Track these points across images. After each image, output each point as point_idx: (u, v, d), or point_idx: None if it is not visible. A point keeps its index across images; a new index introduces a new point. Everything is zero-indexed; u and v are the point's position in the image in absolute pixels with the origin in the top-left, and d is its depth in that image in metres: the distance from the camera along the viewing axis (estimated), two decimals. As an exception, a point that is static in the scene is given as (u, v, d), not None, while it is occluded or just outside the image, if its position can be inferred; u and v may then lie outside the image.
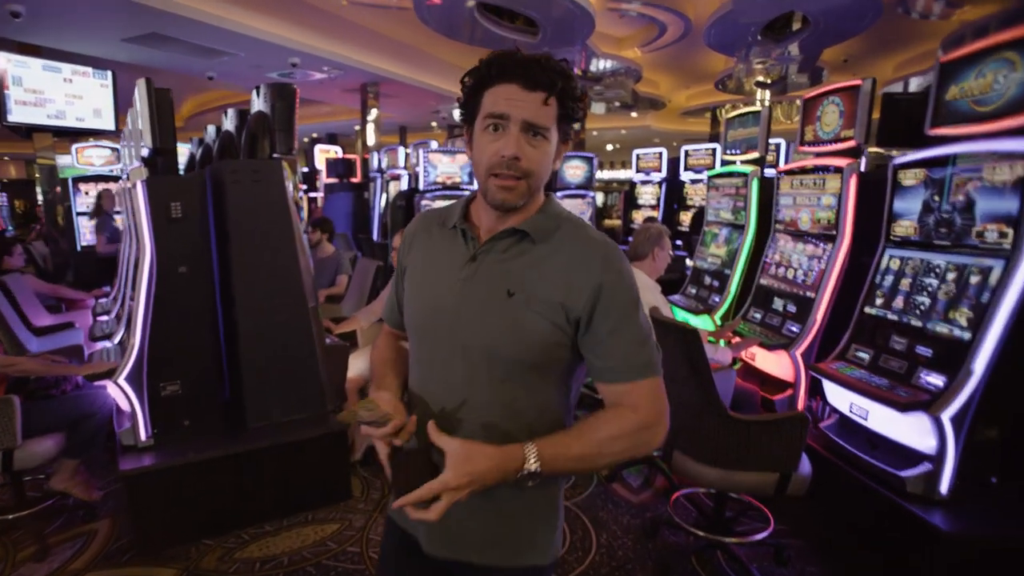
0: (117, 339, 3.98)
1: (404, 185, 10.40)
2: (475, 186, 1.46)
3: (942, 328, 2.93)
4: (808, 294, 4.06)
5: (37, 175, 8.61)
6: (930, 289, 3.08)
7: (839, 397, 3.41)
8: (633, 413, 1.34)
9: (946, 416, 2.68)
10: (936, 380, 2.84)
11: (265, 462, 3.56)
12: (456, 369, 1.39)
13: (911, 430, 2.90)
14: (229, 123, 4.51)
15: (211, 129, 5.14)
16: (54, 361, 3.77)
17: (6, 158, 25.93)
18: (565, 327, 1.34)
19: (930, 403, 2.74)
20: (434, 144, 9.80)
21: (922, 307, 3.09)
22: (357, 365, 4.30)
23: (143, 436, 3.44)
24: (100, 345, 4.11)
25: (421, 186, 8.04)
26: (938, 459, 2.78)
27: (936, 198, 3.07)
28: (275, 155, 3.90)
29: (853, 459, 3.22)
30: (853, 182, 3.83)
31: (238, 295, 3.68)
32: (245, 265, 3.68)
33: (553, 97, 1.29)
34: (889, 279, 3.38)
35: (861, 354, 3.36)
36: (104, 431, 3.65)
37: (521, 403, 1.38)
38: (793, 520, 3.54)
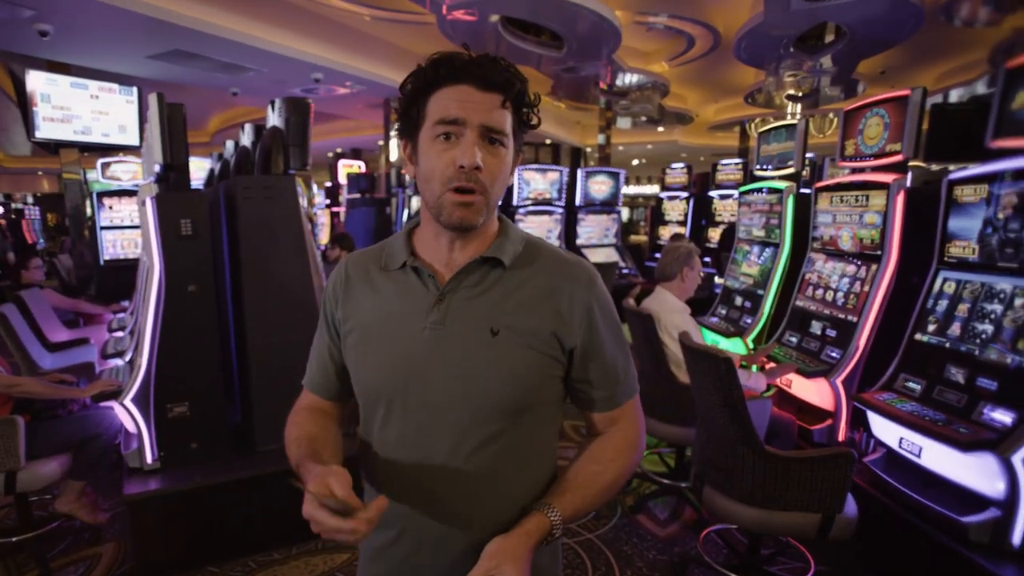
0: (128, 357, 3.91)
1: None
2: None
3: (1008, 359, 2.67)
4: (849, 317, 3.81)
5: (65, 190, 8.75)
6: (994, 316, 2.82)
7: (887, 430, 3.16)
8: (627, 439, 1.32)
9: (1018, 458, 2.41)
10: (1003, 416, 2.58)
11: (274, 487, 3.43)
12: (438, 435, 1.20)
13: (973, 471, 2.63)
14: (246, 138, 4.46)
15: (230, 144, 5.11)
16: (62, 381, 3.77)
17: (39, 173, 26.54)
18: (560, 358, 1.24)
19: (997, 442, 2.47)
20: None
21: (984, 335, 2.83)
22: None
23: (149, 459, 3.37)
24: (111, 363, 4.08)
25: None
26: (1008, 505, 2.50)
27: (1000, 216, 2.82)
28: (289, 171, 3.81)
29: (904, 499, 2.95)
30: (900, 199, 3.58)
31: (249, 314, 3.59)
32: (256, 283, 3.60)
33: (509, 101, 1.15)
34: (943, 304, 3.12)
35: (912, 384, 3.11)
36: (111, 452, 3.61)
37: (520, 452, 1.24)
38: (835, 561, 3.32)
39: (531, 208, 8.91)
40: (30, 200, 23.15)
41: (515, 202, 8.99)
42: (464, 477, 1.20)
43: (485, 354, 1.18)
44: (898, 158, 3.68)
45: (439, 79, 1.13)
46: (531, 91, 1.21)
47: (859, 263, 3.89)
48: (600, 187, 9.51)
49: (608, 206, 9.57)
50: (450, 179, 1.13)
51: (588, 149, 23.39)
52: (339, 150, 24.07)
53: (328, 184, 16.13)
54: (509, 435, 1.21)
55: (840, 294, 3.97)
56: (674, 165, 11.09)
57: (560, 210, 9.07)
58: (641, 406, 1.37)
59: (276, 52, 10.77)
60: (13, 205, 20.39)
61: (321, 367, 1.40)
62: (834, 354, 3.81)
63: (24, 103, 7.43)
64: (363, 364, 1.28)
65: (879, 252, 3.70)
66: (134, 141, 8.19)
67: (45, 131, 7.55)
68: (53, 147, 8.16)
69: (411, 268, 1.25)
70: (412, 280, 1.25)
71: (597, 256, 9.24)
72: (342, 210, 14.20)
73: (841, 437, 3.70)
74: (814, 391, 3.88)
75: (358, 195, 13.07)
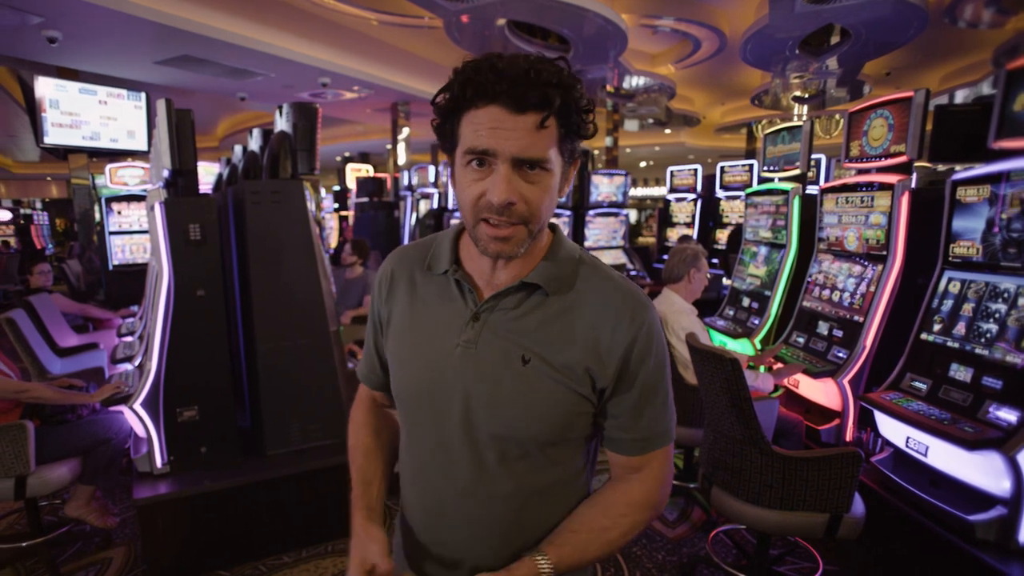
0: (137, 362, 3.91)
1: (434, 203, 10.35)
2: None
3: (1013, 358, 2.67)
4: (856, 318, 3.83)
5: (74, 195, 8.75)
6: (998, 315, 2.82)
7: (894, 430, 3.16)
8: (646, 493, 1.21)
9: (1023, 456, 2.43)
10: (1008, 415, 2.58)
11: (284, 490, 3.46)
12: (460, 452, 1.17)
13: (979, 470, 2.64)
14: (254, 143, 4.44)
15: (238, 149, 5.10)
16: (71, 386, 3.74)
17: (48, 178, 26.64)
18: (591, 396, 1.14)
19: (1003, 441, 2.48)
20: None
21: (988, 334, 2.84)
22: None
23: (159, 463, 3.36)
24: (121, 367, 4.04)
25: (450, 204, 7.96)
26: (1014, 503, 2.51)
27: (1003, 216, 2.83)
28: (297, 175, 3.81)
29: (911, 498, 2.96)
30: (905, 199, 3.60)
31: (257, 318, 3.59)
32: (265, 287, 3.59)
33: (552, 116, 1.01)
34: (948, 303, 3.13)
35: (918, 384, 3.12)
36: (121, 457, 3.60)
37: (541, 483, 1.18)
38: (844, 560, 3.32)
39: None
40: (38, 205, 23.17)
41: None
42: (481, 499, 1.17)
43: (512, 383, 1.12)
44: (902, 159, 3.69)
45: (467, 100, 1.02)
46: (583, 96, 1.06)
47: (865, 263, 3.90)
48: (607, 189, 9.49)
49: (615, 208, 9.56)
50: (481, 210, 1.05)
51: (596, 151, 23.42)
52: (347, 154, 24.10)
53: (336, 188, 16.18)
54: (532, 464, 1.16)
55: (847, 294, 3.99)
56: (680, 167, 11.07)
57: (568, 212, 9.07)
58: (672, 459, 1.26)
59: (284, 57, 10.79)
60: (22, 211, 20.36)
61: (369, 358, 1.41)
62: (841, 354, 3.83)
63: (33, 109, 7.42)
64: (397, 370, 1.26)
65: (884, 252, 3.71)
66: (142, 146, 8.19)
67: (54, 137, 7.56)
68: (62, 153, 8.15)
69: (453, 279, 1.20)
70: (453, 290, 1.20)
71: (605, 258, 9.20)
72: (351, 214, 14.23)
73: (848, 437, 3.71)
74: (821, 391, 3.89)
75: (366, 199, 13.10)
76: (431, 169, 11.15)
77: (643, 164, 30.02)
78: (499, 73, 0.99)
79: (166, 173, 3.55)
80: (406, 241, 10.81)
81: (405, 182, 12.12)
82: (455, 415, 1.16)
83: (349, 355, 4.10)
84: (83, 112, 7.75)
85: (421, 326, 1.23)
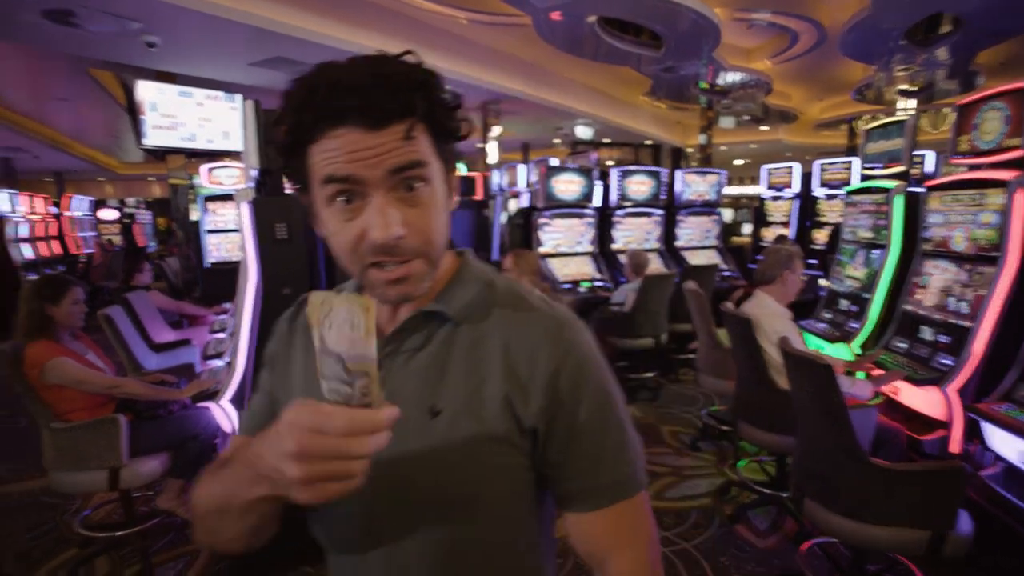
0: (227, 358, 3.98)
1: (524, 202, 10.35)
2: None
3: None
4: (963, 323, 3.61)
5: (173, 194, 9.06)
6: (1124, 323, 2.62)
7: (1006, 443, 2.97)
8: (634, 560, 0.98)
9: None
10: None
11: None
12: (374, 518, 0.98)
13: (1101, 490, 2.45)
14: None
15: None
16: (163, 382, 3.90)
17: (150, 178, 27.76)
18: (519, 442, 0.94)
19: None
20: (554, 161, 9.68)
21: (1113, 343, 2.64)
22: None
23: None
24: (211, 364, 4.15)
25: (540, 203, 7.94)
26: None
27: None
28: None
29: (1024, 517, 2.77)
30: (1020, 197, 3.37)
31: None
32: None
33: (420, 121, 0.84)
34: (1067, 309, 2.93)
35: (1033, 395, 2.93)
36: (210, 452, 3.67)
37: (471, 548, 0.97)
38: (947, 581, 3.13)
39: (629, 211, 8.77)
40: (138, 204, 24.12)
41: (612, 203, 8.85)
42: (381, 554, 1.01)
43: (422, 442, 0.92)
44: (1018, 154, 3.47)
45: (308, 129, 0.84)
46: (444, 90, 0.90)
47: (973, 265, 3.68)
48: (700, 188, 9.30)
49: (709, 207, 9.36)
50: (365, 254, 0.86)
51: (689, 149, 23.09)
52: (440, 153, 24.35)
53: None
54: (464, 532, 0.96)
55: (953, 298, 3.77)
56: (777, 164, 10.74)
57: (659, 212, 8.91)
58: (650, 521, 1.01)
59: (376, 57, 10.87)
60: (125, 210, 21.20)
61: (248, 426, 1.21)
62: (946, 361, 3.62)
63: (133, 111, 7.66)
64: None
65: (996, 254, 3.48)
66: (237, 147, 8.29)
67: (153, 138, 7.76)
68: (160, 153, 8.44)
69: None
70: None
71: (698, 258, 9.02)
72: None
73: (954, 449, 3.50)
74: (924, 400, 3.68)
75: (457, 198, 13.19)
76: (520, 168, 11.15)
77: (739, 162, 29.45)
78: (341, 88, 0.81)
79: (254, 173, 3.61)
80: (496, 241, 10.82)
81: (496, 181, 12.15)
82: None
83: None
84: (180, 114, 7.94)
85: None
